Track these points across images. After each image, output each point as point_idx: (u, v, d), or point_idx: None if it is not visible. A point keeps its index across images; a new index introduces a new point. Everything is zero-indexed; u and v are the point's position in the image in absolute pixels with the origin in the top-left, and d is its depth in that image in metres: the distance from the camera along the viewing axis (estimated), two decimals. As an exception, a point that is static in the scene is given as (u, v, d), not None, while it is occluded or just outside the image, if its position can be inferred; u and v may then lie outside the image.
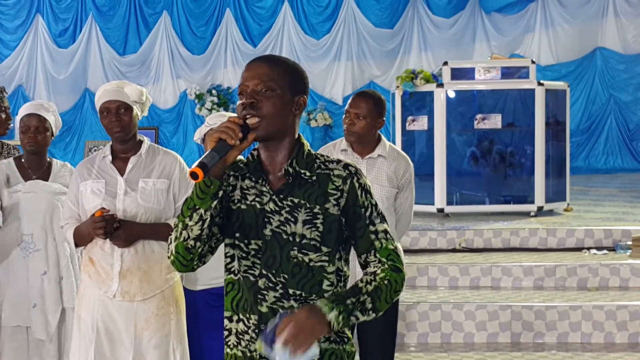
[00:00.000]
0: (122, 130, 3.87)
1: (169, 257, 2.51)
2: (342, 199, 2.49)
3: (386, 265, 2.48)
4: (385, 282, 2.45)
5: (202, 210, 2.39)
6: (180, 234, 2.44)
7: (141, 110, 4.00)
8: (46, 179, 4.64)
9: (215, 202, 2.39)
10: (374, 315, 2.43)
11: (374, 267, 2.49)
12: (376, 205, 2.54)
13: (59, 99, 14.86)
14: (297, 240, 2.46)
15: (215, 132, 2.35)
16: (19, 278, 4.59)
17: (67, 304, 4.60)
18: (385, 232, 2.52)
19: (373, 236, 2.50)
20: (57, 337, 4.60)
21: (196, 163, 2.29)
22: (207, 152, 2.32)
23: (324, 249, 2.47)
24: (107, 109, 3.88)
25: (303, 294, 2.46)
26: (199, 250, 2.45)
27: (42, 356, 4.61)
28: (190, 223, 2.41)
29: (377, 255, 2.50)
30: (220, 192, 2.40)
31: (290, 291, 2.45)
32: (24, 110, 4.64)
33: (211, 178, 2.36)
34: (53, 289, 4.58)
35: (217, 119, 4.22)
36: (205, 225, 2.41)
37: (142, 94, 3.99)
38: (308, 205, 2.47)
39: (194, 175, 2.27)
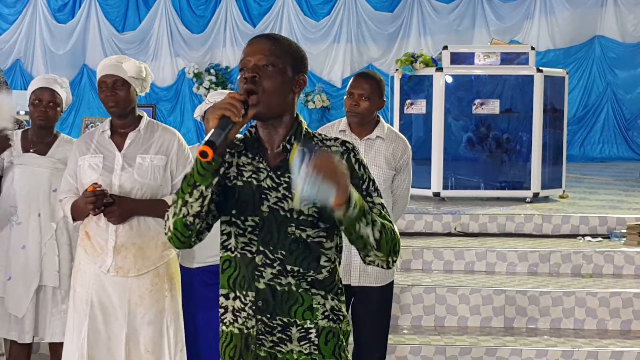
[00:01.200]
0: (116, 105, 3.87)
1: (166, 234, 2.49)
2: None
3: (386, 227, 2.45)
4: (387, 226, 2.43)
5: (202, 187, 2.38)
6: (180, 210, 2.42)
7: (141, 87, 3.99)
8: (44, 152, 4.60)
9: (215, 179, 2.39)
10: (374, 241, 2.38)
11: None
12: (374, 180, 2.54)
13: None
14: (295, 216, 2.45)
15: (217, 109, 2.33)
16: (1, 249, 4.57)
17: (46, 282, 4.54)
18: (382, 205, 2.52)
19: (370, 206, 2.48)
20: (33, 314, 4.54)
21: (204, 141, 2.28)
22: (213, 131, 2.31)
23: (322, 225, 2.47)
24: (104, 83, 3.88)
25: (301, 270, 2.46)
26: (197, 227, 2.44)
27: (19, 331, 4.57)
28: (190, 200, 2.39)
29: None
30: (222, 169, 2.40)
31: (288, 267, 2.46)
32: (37, 83, 4.60)
33: (214, 155, 2.36)
34: (30, 265, 4.52)
35: (217, 96, 4.21)
36: (206, 202, 2.40)
37: (141, 71, 3.97)
38: None
39: (203, 154, 2.26)
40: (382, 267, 2.50)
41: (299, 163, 2.22)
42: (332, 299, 2.53)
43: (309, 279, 2.47)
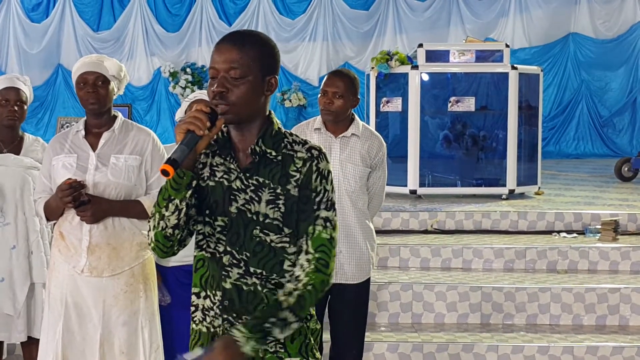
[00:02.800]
0: (97, 103, 3.84)
1: (149, 244, 2.52)
2: (299, 180, 2.47)
3: (312, 265, 2.42)
4: (309, 287, 2.41)
5: (177, 201, 2.41)
6: (158, 223, 2.45)
7: (118, 87, 3.97)
8: (17, 152, 4.63)
9: (189, 192, 2.40)
10: (297, 326, 2.42)
11: (300, 266, 2.44)
12: (330, 191, 2.49)
13: (31, 74, 14.55)
14: (261, 219, 2.46)
15: (183, 123, 2.34)
16: None
17: (36, 279, 4.61)
18: (327, 219, 2.46)
19: (312, 221, 2.45)
20: (25, 312, 4.59)
21: (166, 159, 2.28)
22: (177, 147, 2.32)
23: (286, 230, 2.47)
24: (85, 80, 3.84)
25: (264, 273, 2.47)
26: (178, 236, 2.47)
27: (11, 331, 4.61)
28: (167, 213, 2.42)
29: (308, 243, 2.44)
30: (194, 182, 2.41)
31: (252, 269, 2.47)
32: (0, 83, 4.60)
33: (184, 170, 2.37)
34: (22, 264, 4.57)
35: (200, 95, 4.19)
36: (182, 215, 2.42)
37: (121, 70, 3.96)
38: (272, 186, 2.46)
39: (164, 172, 2.27)
40: None
41: None
42: None
43: (273, 282, 2.47)
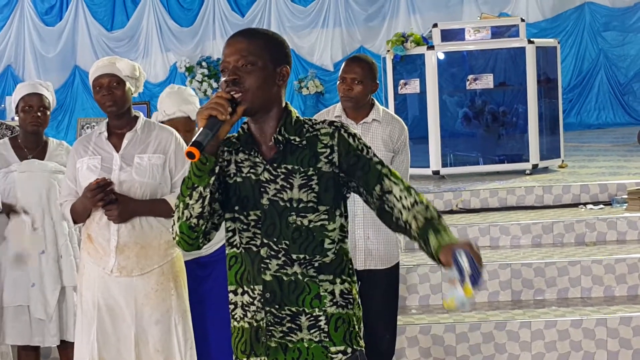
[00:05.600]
0: (114, 105, 3.86)
1: (174, 238, 2.53)
2: (334, 153, 2.50)
3: (411, 190, 2.51)
4: (425, 201, 2.50)
5: (201, 188, 2.41)
6: (183, 213, 2.45)
7: (135, 86, 3.99)
8: (42, 158, 4.67)
9: (212, 179, 2.41)
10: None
11: (403, 197, 2.49)
12: (370, 147, 2.55)
13: (48, 78, 14.74)
14: (295, 205, 2.47)
15: (205, 109, 2.36)
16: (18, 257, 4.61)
17: (66, 283, 4.65)
18: (382, 163, 2.54)
19: (379, 166, 2.52)
20: (57, 316, 4.64)
21: (191, 142, 2.30)
22: (200, 130, 2.33)
23: (322, 208, 2.49)
24: (100, 84, 3.87)
25: (307, 257, 2.48)
26: (203, 227, 2.47)
27: (44, 335, 4.65)
28: (190, 202, 2.43)
29: (393, 178, 2.51)
30: (217, 168, 2.42)
31: (294, 256, 2.48)
32: (23, 90, 4.64)
33: (206, 155, 2.37)
34: (52, 268, 4.61)
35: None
36: (206, 203, 2.43)
37: (135, 69, 3.98)
38: (302, 170, 2.48)
39: (190, 154, 2.29)
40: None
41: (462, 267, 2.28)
42: (342, 282, 2.53)
43: (316, 264, 2.49)
